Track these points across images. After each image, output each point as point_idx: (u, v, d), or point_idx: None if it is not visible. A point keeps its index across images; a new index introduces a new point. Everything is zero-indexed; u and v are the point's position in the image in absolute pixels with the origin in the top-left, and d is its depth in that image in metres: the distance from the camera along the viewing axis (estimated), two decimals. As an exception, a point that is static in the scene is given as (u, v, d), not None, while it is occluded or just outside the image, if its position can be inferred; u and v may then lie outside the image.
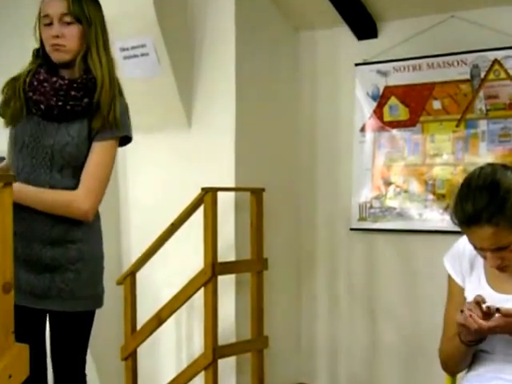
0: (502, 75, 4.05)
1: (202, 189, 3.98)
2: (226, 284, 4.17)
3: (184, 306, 4.18)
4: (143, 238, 4.31)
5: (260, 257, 4.24)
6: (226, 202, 4.12)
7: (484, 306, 2.06)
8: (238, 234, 4.26)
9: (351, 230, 4.50)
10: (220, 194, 3.98)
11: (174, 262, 4.37)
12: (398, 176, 4.39)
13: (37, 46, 2.61)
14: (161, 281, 4.45)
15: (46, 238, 2.52)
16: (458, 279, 2.35)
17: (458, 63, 4.17)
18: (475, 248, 2.14)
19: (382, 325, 4.45)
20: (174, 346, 4.54)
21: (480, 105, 4.11)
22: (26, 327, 2.34)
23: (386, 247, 4.42)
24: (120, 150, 2.67)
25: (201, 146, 4.41)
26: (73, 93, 2.51)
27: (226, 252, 4.21)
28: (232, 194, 4.25)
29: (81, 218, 2.53)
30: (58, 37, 2.50)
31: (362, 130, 4.50)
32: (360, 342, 4.51)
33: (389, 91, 4.42)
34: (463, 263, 2.33)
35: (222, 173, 4.27)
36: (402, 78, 4.37)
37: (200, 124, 4.45)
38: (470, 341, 2.16)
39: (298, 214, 4.66)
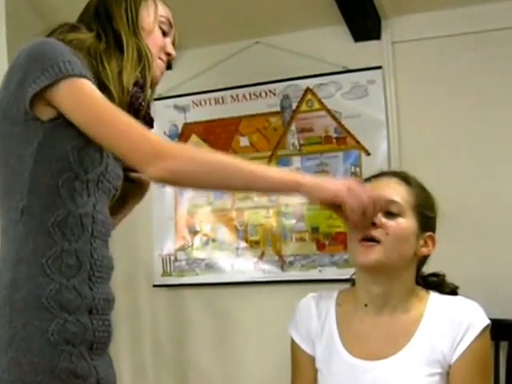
0: (316, 105, 3.45)
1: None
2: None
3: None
4: None
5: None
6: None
7: None
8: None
9: (154, 286, 3.69)
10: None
11: None
12: (204, 223, 3.66)
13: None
14: None
15: None
16: (307, 348, 1.82)
17: (267, 94, 3.54)
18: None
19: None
20: None
21: (293, 139, 3.49)
22: None
23: (196, 303, 3.66)
24: None
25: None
26: None
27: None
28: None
29: None
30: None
31: (161, 173, 3.65)
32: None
33: (189, 129, 3.70)
34: (311, 325, 1.82)
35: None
36: (203, 113, 3.67)
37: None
38: None
39: (90, 273, 3.71)
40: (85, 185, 1.57)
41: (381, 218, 1.69)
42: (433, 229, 1.78)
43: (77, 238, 1.56)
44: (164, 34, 1.84)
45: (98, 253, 1.63)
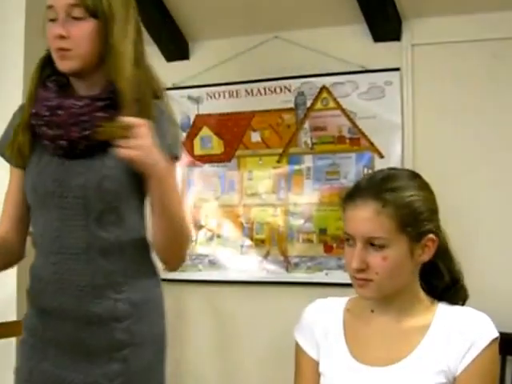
0: (331, 104, 3.37)
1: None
2: (5, 348, 3.08)
3: None
4: None
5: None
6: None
7: None
8: (20, 289, 3.11)
9: (156, 280, 3.54)
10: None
11: None
12: (210, 218, 3.58)
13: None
14: None
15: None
16: (311, 352, 1.74)
17: (281, 90, 3.45)
18: (347, 238, 1.63)
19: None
20: None
21: (305, 137, 3.41)
22: None
23: (196, 300, 3.58)
24: None
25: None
26: (100, 114, 1.73)
27: (6, 311, 3.16)
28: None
29: (181, 264, 1.96)
30: (62, 37, 1.72)
31: (169, 164, 3.56)
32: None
33: (201, 120, 3.62)
34: (317, 330, 1.74)
35: None
36: (216, 105, 3.60)
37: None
38: None
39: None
40: (32, 210, 1.83)
41: (365, 259, 1.57)
42: (430, 230, 1.62)
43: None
44: (53, 20, 1.73)
45: (35, 270, 1.82)
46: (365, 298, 1.64)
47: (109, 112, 1.71)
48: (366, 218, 1.58)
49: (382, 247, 1.57)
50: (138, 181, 1.75)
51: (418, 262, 1.62)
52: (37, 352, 1.79)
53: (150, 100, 1.77)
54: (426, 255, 1.62)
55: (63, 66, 1.74)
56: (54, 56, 1.75)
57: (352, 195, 1.63)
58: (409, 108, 3.22)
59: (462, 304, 1.70)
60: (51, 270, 1.77)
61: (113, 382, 1.74)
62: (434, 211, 1.64)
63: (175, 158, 1.80)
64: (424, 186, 1.67)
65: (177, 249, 1.84)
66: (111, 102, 1.73)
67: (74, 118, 1.73)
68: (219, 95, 3.56)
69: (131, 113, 1.69)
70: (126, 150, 1.64)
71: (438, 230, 1.64)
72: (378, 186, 1.61)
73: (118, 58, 1.72)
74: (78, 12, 1.69)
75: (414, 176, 1.69)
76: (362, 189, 1.62)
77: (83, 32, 1.71)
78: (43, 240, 1.80)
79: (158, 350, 1.84)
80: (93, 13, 1.70)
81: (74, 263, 1.75)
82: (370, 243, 1.58)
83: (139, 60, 1.78)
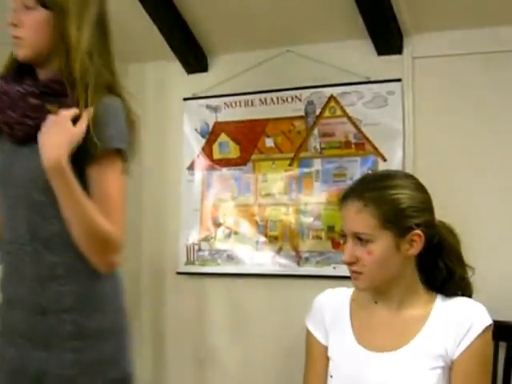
0: (338, 112, 3.61)
1: None
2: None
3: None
4: None
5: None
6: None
7: None
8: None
9: (178, 273, 3.86)
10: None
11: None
12: (227, 217, 3.82)
13: None
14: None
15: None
16: (320, 337, 1.89)
17: (293, 99, 3.70)
18: (343, 235, 1.78)
19: (210, 374, 3.80)
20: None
21: (314, 143, 3.64)
22: None
23: (216, 292, 3.82)
24: None
25: None
26: (33, 101, 1.74)
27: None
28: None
29: (109, 267, 1.78)
30: (15, 25, 1.77)
31: (191, 168, 3.89)
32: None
33: (219, 127, 3.87)
34: (326, 317, 1.89)
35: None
36: (233, 113, 3.85)
37: None
38: None
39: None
40: None
41: (355, 253, 1.72)
42: (415, 225, 1.72)
43: None
44: (14, 10, 1.78)
45: (3, 257, 1.83)
46: (358, 289, 1.79)
47: (45, 99, 1.72)
48: (351, 216, 1.72)
49: (367, 242, 1.70)
50: (77, 174, 1.69)
51: (407, 255, 1.73)
52: (5, 339, 1.81)
53: (94, 92, 1.73)
54: (413, 249, 1.72)
55: (17, 53, 1.78)
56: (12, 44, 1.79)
57: (345, 196, 1.77)
58: (409, 116, 3.41)
59: (468, 297, 1.80)
60: (9, 259, 1.80)
61: (67, 371, 1.73)
62: (420, 208, 1.73)
63: (118, 150, 1.78)
64: (416, 186, 1.77)
65: (94, 252, 1.73)
66: (51, 91, 1.73)
67: (12, 104, 1.75)
68: (236, 104, 3.82)
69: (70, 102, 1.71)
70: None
71: (425, 227, 1.72)
72: (363, 186, 1.75)
73: (68, 49, 1.73)
74: (29, 1, 1.74)
75: (406, 176, 1.82)
76: (352, 189, 1.77)
77: (32, 21, 1.74)
78: (3, 228, 1.82)
79: (114, 341, 1.81)
80: (42, 3, 1.74)
81: (22, 254, 1.76)
82: (358, 238, 1.71)
83: (92, 54, 1.78)
